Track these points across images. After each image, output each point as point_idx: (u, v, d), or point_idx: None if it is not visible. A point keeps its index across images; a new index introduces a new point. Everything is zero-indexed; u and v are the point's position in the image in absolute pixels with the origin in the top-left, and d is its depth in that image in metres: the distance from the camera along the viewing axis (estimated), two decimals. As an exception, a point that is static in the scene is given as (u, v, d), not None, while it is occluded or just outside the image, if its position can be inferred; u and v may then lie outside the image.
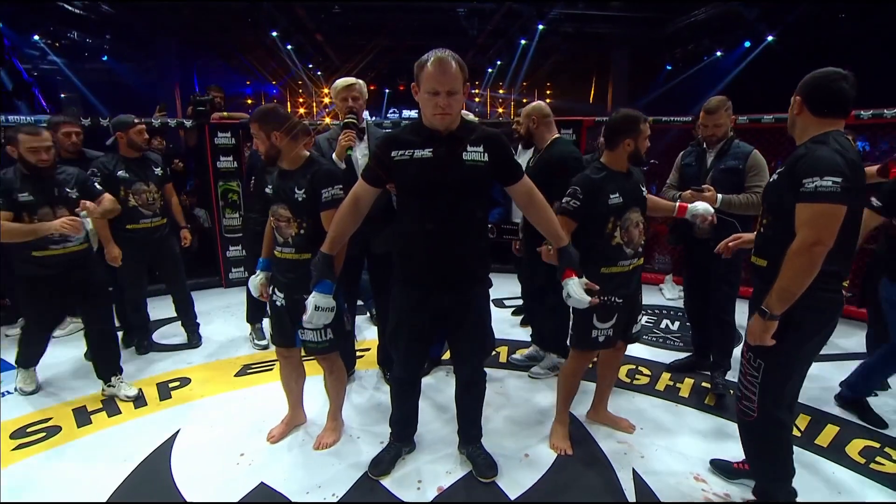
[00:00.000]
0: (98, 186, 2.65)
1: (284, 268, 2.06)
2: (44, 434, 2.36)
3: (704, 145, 2.63)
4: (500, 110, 15.27)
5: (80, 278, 2.54)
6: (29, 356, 2.73)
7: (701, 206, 2.23)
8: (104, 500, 1.93)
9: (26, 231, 2.34)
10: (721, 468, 2.07)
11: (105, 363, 2.67)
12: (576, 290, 1.78)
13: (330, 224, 1.89)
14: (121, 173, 3.00)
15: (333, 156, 2.40)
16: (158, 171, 3.20)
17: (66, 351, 3.19)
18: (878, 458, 2.16)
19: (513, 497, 1.95)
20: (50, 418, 2.49)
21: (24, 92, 8.64)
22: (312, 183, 1.94)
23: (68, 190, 2.48)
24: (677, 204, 2.27)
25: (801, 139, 1.62)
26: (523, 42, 11.43)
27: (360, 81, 2.54)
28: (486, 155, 1.70)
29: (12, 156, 2.40)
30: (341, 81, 2.52)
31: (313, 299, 1.78)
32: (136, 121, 3.05)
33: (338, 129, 2.51)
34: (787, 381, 1.69)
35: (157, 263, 3.31)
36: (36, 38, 9.41)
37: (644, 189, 2.13)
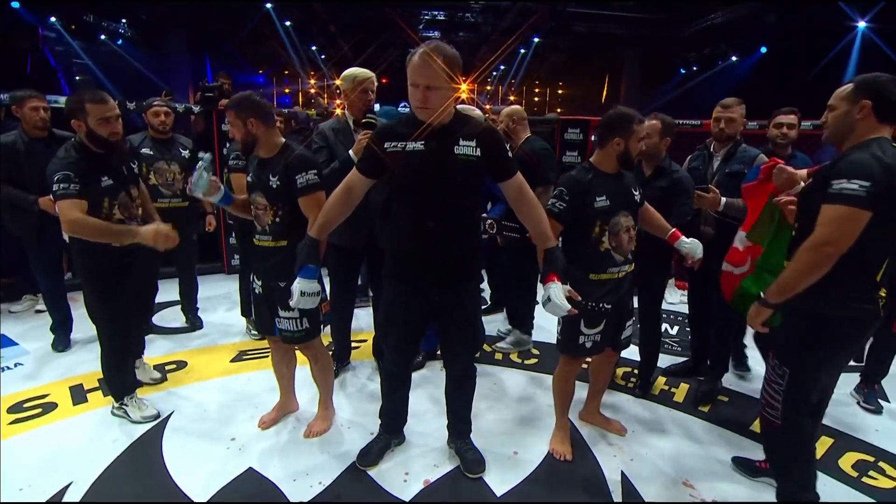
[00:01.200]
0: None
1: (262, 255, 2.06)
2: (40, 410, 2.39)
3: (712, 148, 2.61)
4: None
5: (144, 266, 2.32)
6: (126, 382, 2.32)
7: (687, 245, 2.11)
8: (93, 480, 1.95)
9: (114, 232, 2.01)
10: (744, 466, 2.09)
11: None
12: (557, 295, 1.67)
13: (307, 210, 1.90)
14: (144, 150, 3.08)
15: (351, 152, 2.33)
16: (186, 153, 3.22)
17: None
18: (871, 473, 2.13)
19: (499, 494, 1.95)
20: (47, 394, 2.52)
21: (51, 79, 8.76)
22: (287, 169, 1.93)
23: (133, 165, 2.27)
24: (672, 230, 2.16)
25: (850, 144, 1.57)
26: (536, 40, 11.36)
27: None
28: (478, 149, 1.69)
29: (78, 131, 2.05)
30: (361, 72, 2.44)
31: (298, 284, 1.78)
32: (155, 102, 3.14)
33: (343, 121, 2.48)
34: (812, 389, 1.67)
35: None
36: (52, 19, 9.50)
37: (637, 193, 2.03)
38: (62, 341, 3.02)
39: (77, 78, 11.01)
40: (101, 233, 2.00)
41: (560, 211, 1.95)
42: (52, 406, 2.42)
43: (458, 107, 1.80)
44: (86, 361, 2.83)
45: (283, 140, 2.02)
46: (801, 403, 1.67)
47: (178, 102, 4.94)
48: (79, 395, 2.53)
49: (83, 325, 3.02)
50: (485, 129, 1.74)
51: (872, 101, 1.52)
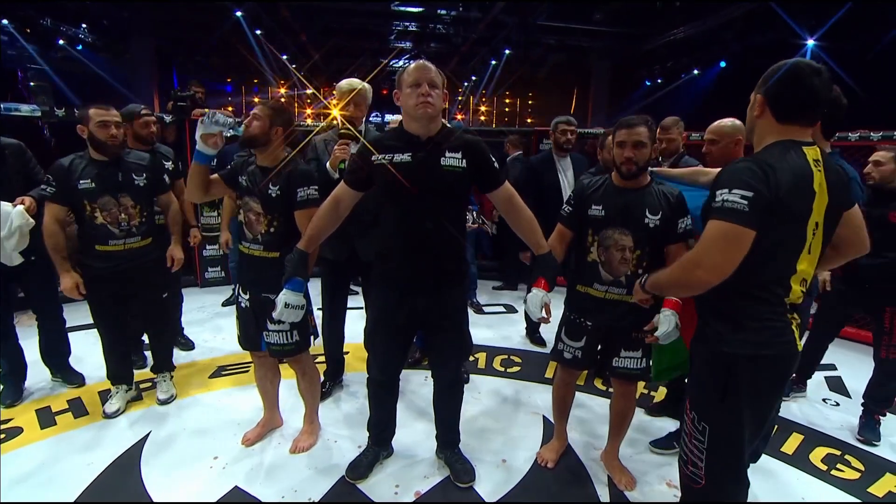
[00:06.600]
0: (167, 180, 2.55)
1: (250, 265, 2.03)
2: (3, 436, 2.26)
3: (660, 158, 2.77)
4: (483, 119, 15.41)
5: (138, 277, 2.39)
6: (115, 371, 2.49)
7: (660, 318, 1.72)
8: (82, 500, 1.86)
9: (55, 257, 2.25)
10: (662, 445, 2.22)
11: (157, 358, 2.65)
12: (532, 299, 1.82)
13: (302, 224, 1.90)
14: None
15: (327, 165, 2.33)
16: (170, 165, 2.90)
17: (28, 346, 3.02)
18: (838, 465, 2.25)
19: (490, 503, 1.96)
20: (11, 419, 2.38)
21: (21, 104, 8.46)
22: (289, 181, 1.94)
23: (135, 177, 2.35)
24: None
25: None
26: (507, 52, 11.57)
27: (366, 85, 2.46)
28: (464, 161, 1.73)
29: (82, 135, 2.24)
30: (353, 83, 2.42)
31: (284, 296, 1.77)
32: (142, 111, 2.82)
33: (334, 134, 2.46)
34: (741, 444, 1.38)
35: None
36: (5, 21, 9.07)
37: (651, 217, 1.82)
38: (12, 392, 2.55)
39: (31, 84, 10.51)
40: (49, 247, 2.25)
41: (567, 215, 1.99)
42: (17, 431, 2.30)
43: None
44: (51, 382, 2.71)
45: (287, 153, 2.02)
46: (729, 462, 1.39)
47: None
48: (46, 418, 2.40)
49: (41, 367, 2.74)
50: (470, 141, 1.77)
51: (764, 97, 1.30)
